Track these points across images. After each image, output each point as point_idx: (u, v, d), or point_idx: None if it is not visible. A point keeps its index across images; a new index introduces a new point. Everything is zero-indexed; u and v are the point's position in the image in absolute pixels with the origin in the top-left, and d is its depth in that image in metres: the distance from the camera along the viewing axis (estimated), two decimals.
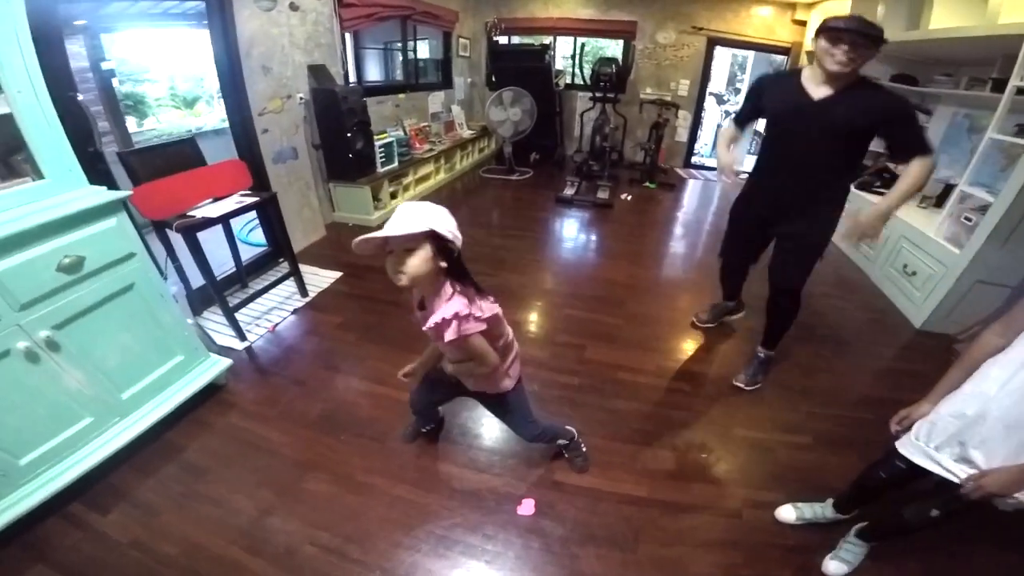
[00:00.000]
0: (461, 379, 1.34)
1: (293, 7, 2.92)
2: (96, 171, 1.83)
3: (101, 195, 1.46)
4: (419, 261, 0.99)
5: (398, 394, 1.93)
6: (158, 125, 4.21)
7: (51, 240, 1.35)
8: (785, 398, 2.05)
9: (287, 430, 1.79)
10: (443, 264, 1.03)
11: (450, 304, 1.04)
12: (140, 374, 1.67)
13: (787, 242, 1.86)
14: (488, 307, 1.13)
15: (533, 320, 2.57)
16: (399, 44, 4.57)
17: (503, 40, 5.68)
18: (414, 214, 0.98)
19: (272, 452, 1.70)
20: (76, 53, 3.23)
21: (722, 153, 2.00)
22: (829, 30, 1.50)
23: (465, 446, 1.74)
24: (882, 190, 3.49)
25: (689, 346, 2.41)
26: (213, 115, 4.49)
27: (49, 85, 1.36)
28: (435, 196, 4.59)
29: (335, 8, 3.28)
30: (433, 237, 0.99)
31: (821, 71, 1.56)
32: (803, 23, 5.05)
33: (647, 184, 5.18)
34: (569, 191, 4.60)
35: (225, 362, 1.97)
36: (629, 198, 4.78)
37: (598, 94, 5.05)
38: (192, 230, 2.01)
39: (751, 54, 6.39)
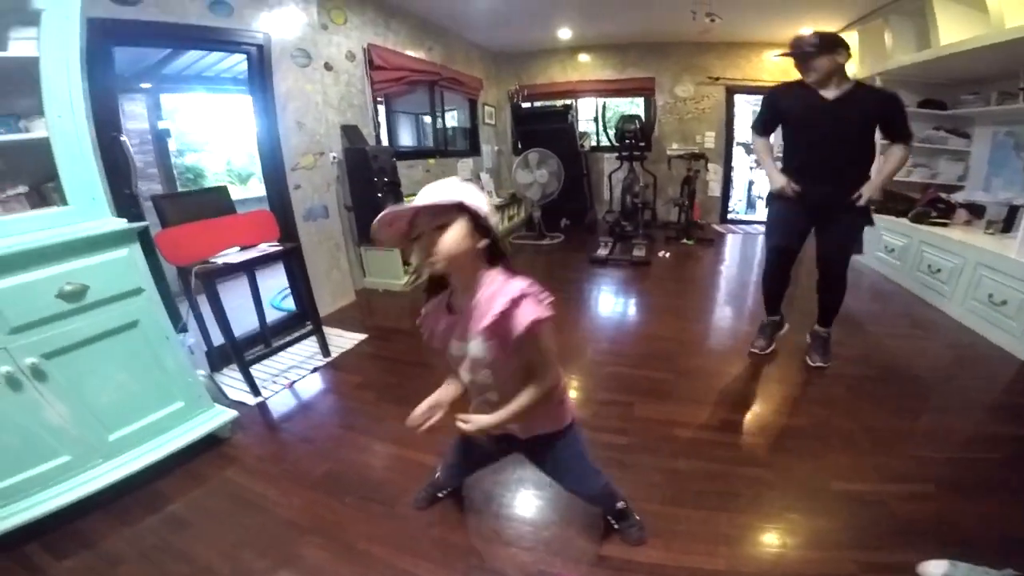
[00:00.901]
0: (513, 421, 0.97)
1: (327, 67, 3.15)
2: (130, 214, 1.84)
3: (112, 223, 1.44)
4: (456, 236, 0.84)
5: (414, 455, 1.71)
6: None
7: (55, 264, 1.30)
8: (883, 443, 1.72)
9: (287, 489, 1.58)
10: (483, 242, 0.87)
11: (512, 283, 0.86)
12: (133, 416, 1.53)
13: (841, 218, 2.03)
14: None
15: (572, 380, 2.32)
16: (428, 114, 4.89)
17: (526, 105, 5.95)
18: (441, 188, 0.86)
19: (265, 511, 1.48)
20: (138, 114, 3.61)
21: (775, 175, 2.12)
22: (792, 56, 1.93)
23: (490, 514, 1.44)
24: (940, 220, 3.26)
25: (753, 396, 2.13)
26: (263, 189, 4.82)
27: (97, 123, 1.43)
28: None
29: (367, 71, 3.53)
30: (467, 212, 0.85)
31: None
32: None
33: (684, 241, 5.03)
34: (603, 251, 4.48)
35: (230, 413, 1.82)
36: (667, 255, 4.64)
37: (624, 152, 5.11)
38: (212, 276, 1.98)
39: None
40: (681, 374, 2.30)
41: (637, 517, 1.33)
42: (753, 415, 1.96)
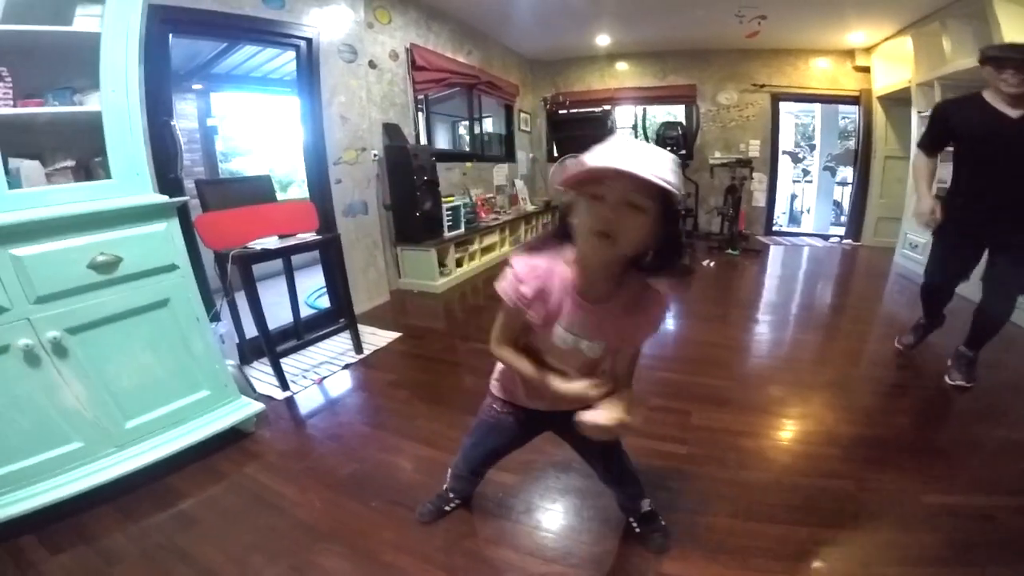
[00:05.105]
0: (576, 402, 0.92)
1: (372, 64, 3.19)
2: (173, 196, 1.84)
3: (151, 196, 1.40)
4: (649, 229, 0.72)
5: (448, 457, 1.54)
6: None
7: (89, 234, 1.26)
8: (986, 455, 1.55)
9: (308, 488, 1.47)
10: (656, 245, 0.77)
11: (656, 295, 0.87)
12: (154, 403, 1.46)
13: (1012, 252, 1.79)
14: None
15: None
16: (466, 119, 4.91)
17: (563, 112, 5.83)
18: (657, 160, 0.67)
19: (282, 511, 1.36)
20: (188, 114, 3.76)
21: (925, 198, 1.95)
22: (991, 59, 1.69)
23: (531, 527, 1.28)
24: None
25: (824, 406, 1.91)
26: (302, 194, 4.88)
27: (149, 108, 1.42)
28: (501, 268, 4.51)
29: (409, 70, 3.57)
30: (666, 201, 0.70)
31: (1002, 94, 1.69)
32: (866, 69, 4.84)
33: (729, 251, 4.81)
34: None
35: (256, 406, 1.73)
36: (712, 264, 4.47)
37: None
38: (248, 261, 1.94)
39: (818, 110, 6.06)
40: (741, 382, 2.12)
41: (663, 523, 1.21)
42: (824, 425, 1.77)
